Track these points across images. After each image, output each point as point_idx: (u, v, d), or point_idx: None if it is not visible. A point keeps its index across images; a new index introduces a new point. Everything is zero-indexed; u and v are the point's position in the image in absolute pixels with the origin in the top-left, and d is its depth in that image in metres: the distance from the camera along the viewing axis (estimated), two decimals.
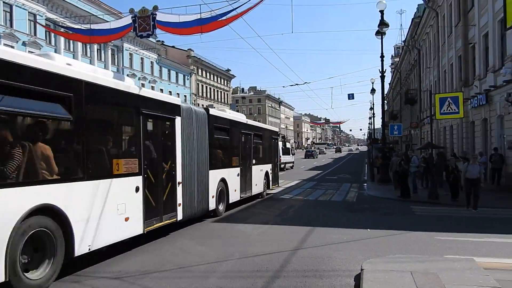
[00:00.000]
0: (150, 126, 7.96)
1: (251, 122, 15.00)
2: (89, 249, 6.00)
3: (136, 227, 7.14)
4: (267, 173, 15.78)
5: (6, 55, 4.83)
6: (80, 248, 5.77)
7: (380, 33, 20.70)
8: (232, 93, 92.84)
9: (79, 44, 38.98)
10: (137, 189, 7.13)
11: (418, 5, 39.62)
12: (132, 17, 19.46)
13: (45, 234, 5.21)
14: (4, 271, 4.57)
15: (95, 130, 6.47)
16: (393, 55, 74.13)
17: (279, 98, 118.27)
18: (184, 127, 9.06)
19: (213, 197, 10.45)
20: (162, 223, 7.99)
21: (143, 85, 53.24)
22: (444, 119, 19.73)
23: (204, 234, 8.97)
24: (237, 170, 12.47)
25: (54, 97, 5.55)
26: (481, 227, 9.71)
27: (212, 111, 11.11)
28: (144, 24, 19.62)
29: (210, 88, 74.08)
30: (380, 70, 22.02)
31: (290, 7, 55.95)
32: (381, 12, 20.11)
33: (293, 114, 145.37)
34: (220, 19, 18.67)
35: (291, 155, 36.06)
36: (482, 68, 19.55)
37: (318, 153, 76.96)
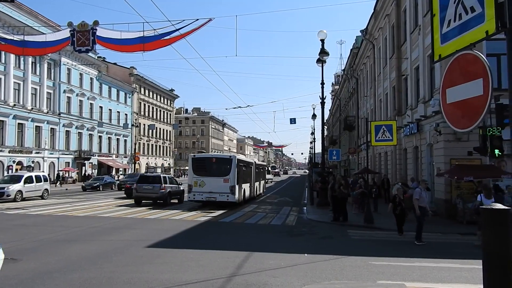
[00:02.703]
0: (247, 167, 25.47)
1: (254, 160, 31.34)
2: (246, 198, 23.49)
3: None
4: (260, 184, 30.32)
5: (240, 156, 25.52)
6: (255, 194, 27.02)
7: (320, 61, 21.41)
8: (175, 113, 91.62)
9: (12, 56, 36.68)
10: (249, 185, 24.95)
11: (357, 37, 41.86)
12: (70, 30, 18.77)
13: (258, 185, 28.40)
14: None
15: (255, 171, 26.97)
16: (333, 82, 77.41)
17: (222, 120, 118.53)
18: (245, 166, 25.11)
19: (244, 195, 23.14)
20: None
21: (81, 101, 50.99)
22: (379, 145, 20.64)
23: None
24: (249, 183, 25.00)
25: (249, 164, 25.99)
26: (413, 252, 10.03)
27: (238, 156, 23.74)
28: (83, 39, 18.97)
29: (153, 108, 72.55)
30: (321, 96, 22.69)
31: (235, 30, 57.25)
32: (322, 41, 20.87)
33: (237, 136, 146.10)
34: (163, 39, 18.47)
35: (270, 174, 63.39)
36: (414, 99, 20.80)
37: None
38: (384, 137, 14.95)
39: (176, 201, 22.96)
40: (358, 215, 16.81)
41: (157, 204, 21.17)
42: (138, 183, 21.62)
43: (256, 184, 27.70)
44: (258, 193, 28.64)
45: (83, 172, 50.15)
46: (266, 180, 40.98)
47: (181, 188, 23.69)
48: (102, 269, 7.47)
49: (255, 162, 28.90)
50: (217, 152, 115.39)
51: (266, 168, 43.13)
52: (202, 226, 14.23)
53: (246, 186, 23.54)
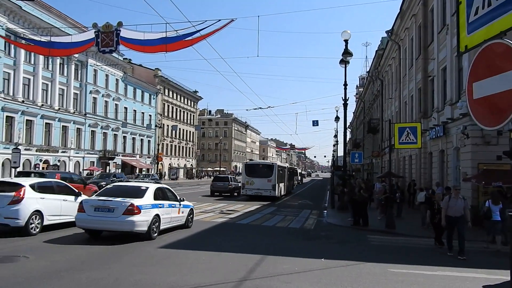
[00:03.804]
0: (283, 170, 32.86)
1: (287, 165, 42.34)
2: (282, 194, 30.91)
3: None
4: (291, 184, 38.80)
5: (279, 163, 35.63)
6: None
7: (344, 61, 20.93)
8: (199, 115, 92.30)
9: (41, 57, 37.58)
10: (284, 184, 32.26)
11: (382, 37, 41.00)
12: (95, 31, 18.96)
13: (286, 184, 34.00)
14: None
15: (287, 174, 35.48)
16: (358, 85, 76.24)
17: (245, 122, 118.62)
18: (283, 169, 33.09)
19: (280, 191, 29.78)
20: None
21: (106, 102, 51.90)
22: (404, 148, 20.05)
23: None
24: (283, 183, 31.29)
25: (284, 168, 34.04)
26: (435, 260, 9.52)
27: (278, 163, 33.38)
28: (107, 40, 19.13)
29: (176, 109, 73.22)
30: (343, 98, 22.20)
31: (257, 31, 56.99)
32: (345, 41, 20.36)
33: (259, 138, 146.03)
34: (185, 39, 18.46)
35: (299, 176, 65.11)
36: (440, 101, 20.07)
37: None
38: (408, 140, 14.39)
39: (236, 194, 30.82)
40: (382, 220, 16.28)
41: (224, 196, 29.29)
42: (213, 181, 32.12)
43: (288, 183, 36.33)
44: (290, 190, 37.65)
45: (107, 171, 50.98)
46: (298, 181, 53.85)
47: (239, 185, 30.78)
48: (110, 269, 7.32)
49: (287, 166, 38.93)
50: (240, 154, 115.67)
51: (296, 171, 56.38)
52: (219, 228, 14.01)
53: (282, 185, 30.75)
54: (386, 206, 16.65)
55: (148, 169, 60.17)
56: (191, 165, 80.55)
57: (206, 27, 17.65)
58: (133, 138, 59.00)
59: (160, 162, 62.13)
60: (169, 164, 69.21)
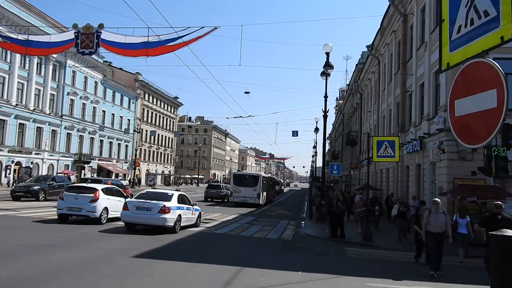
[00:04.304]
0: (266, 181, 35.13)
1: (270, 175, 53.61)
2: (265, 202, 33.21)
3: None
4: (273, 193, 42.19)
5: (263, 174, 36.13)
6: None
7: (325, 74, 21.12)
8: (178, 121, 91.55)
9: (17, 55, 36.63)
10: (267, 193, 34.78)
11: (363, 52, 41.72)
12: (75, 32, 18.56)
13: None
14: None
15: (270, 183, 39.75)
16: (338, 97, 77.22)
17: (225, 130, 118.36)
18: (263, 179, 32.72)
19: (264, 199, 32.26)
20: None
21: (84, 104, 50.91)
22: (381, 161, 20.28)
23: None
24: (266, 192, 33.37)
25: (267, 178, 38.43)
26: (413, 274, 9.57)
27: (261, 174, 34.38)
28: (87, 41, 18.75)
29: (156, 114, 72.46)
30: (323, 110, 22.36)
31: (240, 40, 57.29)
32: (327, 54, 20.60)
33: (239, 147, 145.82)
34: (166, 45, 18.27)
35: (280, 186, 67.69)
36: (418, 116, 20.44)
37: None
38: (386, 153, 14.57)
39: (226, 200, 33.29)
40: (361, 233, 16.32)
41: (216, 202, 32.93)
42: (207, 189, 35.75)
43: (271, 192, 40.04)
44: (272, 199, 40.38)
45: (82, 175, 49.83)
46: (279, 190, 59.36)
47: (229, 192, 33.29)
48: (79, 280, 7.05)
49: (270, 176, 44.78)
50: (219, 162, 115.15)
51: (277, 181, 62.19)
52: (195, 237, 13.75)
53: (265, 194, 33.47)
54: (365, 218, 16.77)
55: (124, 175, 59.13)
56: (169, 171, 79.62)
57: (189, 34, 17.57)
58: (110, 142, 57.96)
59: (137, 168, 61.17)
60: (147, 170, 68.23)
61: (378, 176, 30.42)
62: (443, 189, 15.52)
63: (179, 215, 13.98)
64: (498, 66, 3.06)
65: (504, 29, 2.94)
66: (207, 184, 44.75)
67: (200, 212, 16.66)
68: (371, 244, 14.04)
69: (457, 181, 15.03)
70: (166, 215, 13.27)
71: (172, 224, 13.51)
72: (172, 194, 14.40)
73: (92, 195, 14.81)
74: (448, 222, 9.74)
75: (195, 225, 15.80)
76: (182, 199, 14.74)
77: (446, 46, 3.68)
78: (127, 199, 15.25)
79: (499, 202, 9.05)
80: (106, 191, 15.68)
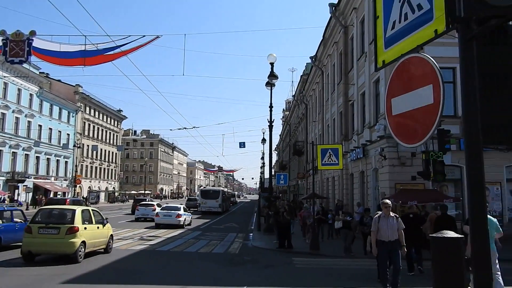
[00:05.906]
0: (224, 194, 45.93)
1: (227, 189, 74.47)
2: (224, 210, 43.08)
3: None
4: (229, 204, 53.25)
5: (222, 189, 52.66)
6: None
7: (269, 84, 21.14)
8: (123, 135, 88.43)
9: None
10: (225, 203, 46.32)
11: (307, 63, 42.62)
12: (3, 39, 17.11)
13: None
14: None
15: (228, 196, 53.33)
16: (284, 109, 78.35)
17: (172, 143, 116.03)
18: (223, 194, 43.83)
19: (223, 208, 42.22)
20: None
21: (17, 118, 47.65)
22: (327, 170, 20.51)
23: None
24: (225, 203, 44.02)
25: (226, 192, 53.47)
26: (360, 283, 9.48)
27: (221, 188, 49.54)
28: (17, 49, 17.31)
29: (98, 128, 69.41)
30: (269, 120, 22.34)
31: (183, 50, 56.53)
32: (271, 64, 20.64)
33: (187, 160, 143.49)
34: (104, 54, 17.38)
35: (234, 197, 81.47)
36: (360, 124, 20.95)
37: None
38: (330, 161, 14.62)
39: (196, 209, 40.10)
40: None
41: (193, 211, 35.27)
42: (187, 201, 47.14)
43: (228, 203, 50.15)
44: (228, 208, 48.36)
45: (15, 196, 46.31)
46: (233, 202, 68.28)
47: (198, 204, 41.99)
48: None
49: (227, 190, 60.53)
50: (166, 176, 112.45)
51: (232, 194, 76.90)
52: (136, 256, 12.90)
53: (225, 204, 42.99)
54: (314, 227, 16.68)
55: (64, 193, 55.78)
56: (114, 188, 76.36)
57: (128, 43, 16.86)
58: (48, 159, 54.51)
59: (78, 185, 57.94)
60: (89, 187, 64.91)
61: (324, 185, 30.86)
62: (385, 194, 15.84)
63: (185, 218, 23.84)
64: (434, 60, 2.92)
65: (438, 21, 2.79)
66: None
67: (191, 216, 24.87)
68: (318, 253, 13.95)
69: (399, 186, 15.44)
70: (179, 219, 23.04)
71: (183, 223, 23.38)
72: (181, 206, 24.32)
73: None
74: (400, 228, 7.98)
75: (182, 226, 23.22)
76: (185, 209, 24.55)
77: (381, 43, 3.51)
78: (157, 210, 24.93)
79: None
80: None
